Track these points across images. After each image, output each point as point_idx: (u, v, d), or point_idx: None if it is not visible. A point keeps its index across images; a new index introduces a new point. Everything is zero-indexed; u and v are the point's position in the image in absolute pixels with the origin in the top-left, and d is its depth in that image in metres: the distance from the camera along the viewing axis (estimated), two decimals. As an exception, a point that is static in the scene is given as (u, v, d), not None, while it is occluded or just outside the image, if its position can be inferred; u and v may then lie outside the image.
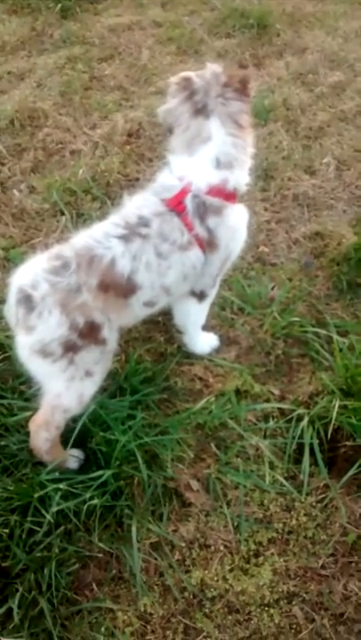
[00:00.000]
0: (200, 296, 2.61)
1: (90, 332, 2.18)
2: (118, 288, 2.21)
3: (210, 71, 2.37)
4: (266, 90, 4.29)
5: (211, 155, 2.34)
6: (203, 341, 2.82)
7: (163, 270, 2.30)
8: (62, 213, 3.41)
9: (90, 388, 2.29)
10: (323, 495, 2.42)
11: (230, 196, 2.38)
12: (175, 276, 2.35)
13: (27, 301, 2.11)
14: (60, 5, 5.05)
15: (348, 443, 2.47)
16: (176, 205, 2.31)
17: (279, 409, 2.65)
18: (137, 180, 3.60)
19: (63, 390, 2.24)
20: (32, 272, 2.16)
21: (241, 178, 2.41)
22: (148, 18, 5.09)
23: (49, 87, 4.30)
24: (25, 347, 2.20)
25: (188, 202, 2.32)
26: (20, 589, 2.06)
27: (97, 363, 2.27)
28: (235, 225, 2.44)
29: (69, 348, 2.16)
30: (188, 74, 2.39)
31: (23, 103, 4.09)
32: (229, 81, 2.34)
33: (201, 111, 2.34)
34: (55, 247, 2.29)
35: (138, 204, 2.34)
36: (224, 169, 2.34)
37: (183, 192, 2.32)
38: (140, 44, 4.79)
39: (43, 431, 2.28)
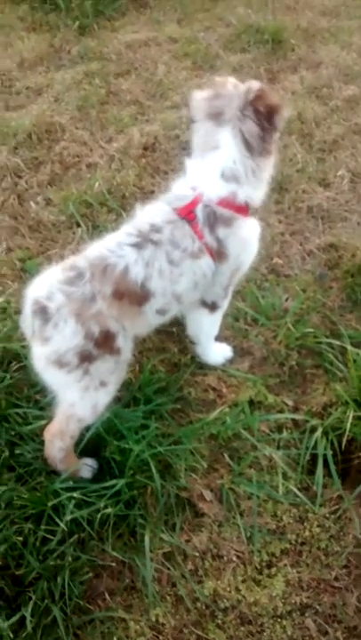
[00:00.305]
0: (212, 307, 2.63)
1: (105, 342, 2.20)
2: (132, 295, 2.24)
3: (247, 85, 2.34)
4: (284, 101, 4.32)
5: (218, 165, 2.35)
6: (216, 352, 2.83)
7: (175, 277, 2.32)
8: (78, 225, 3.45)
9: (104, 397, 2.31)
10: (336, 506, 2.41)
11: (241, 209, 2.39)
12: (186, 284, 2.37)
13: (42, 313, 2.13)
14: (77, 23, 5.14)
15: (361, 454, 2.46)
16: (187, 214, 2.33)
17: (293, 420, 2.65)
18: (152, 192, 3.63)
19: (77, 400, 2.26)
20: (47, 284, 2.19)
21: (252, 194, 2.40)
22: (164, 34, 5.16)
23: (66, 102, 4.37)
24: (41, 357, 2.22)
25: (199, 211, 2.34)
26: (34, 598, 2.07)
27: (112, 373, 2.28)
28: (246, 237, 2.45)
29: (85, 358, 2.17)
30: (231, 79, 2.39)
31: (41, 117, 4.15)
32: (256, 101, 2.30)
33: (214, 117, 2.34)
34: (69, 258, 2.32)
35: (150, 212, 2.37)
36: (232, 182, 2.35)
37: (195, 202, 2.34)
38: (156, 59, 4.86)
39: (57, 440, 2.29)
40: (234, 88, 2.36)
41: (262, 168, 2.40)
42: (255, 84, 2.35)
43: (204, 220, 2.34)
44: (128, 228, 2.33)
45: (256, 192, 2.42)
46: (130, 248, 2.25)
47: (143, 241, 2.26)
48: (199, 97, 2.41)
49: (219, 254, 2.39)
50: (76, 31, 5.13)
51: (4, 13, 5.49)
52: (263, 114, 2.31)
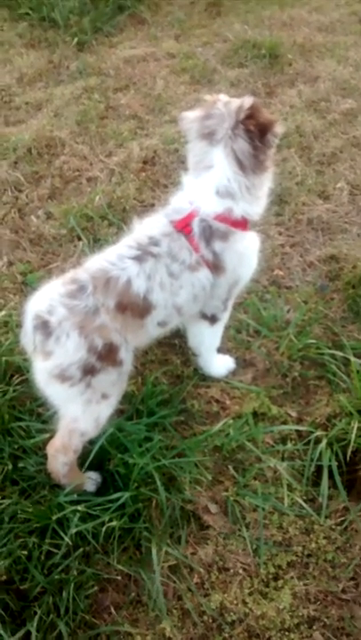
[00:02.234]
0: (212, 319, 2.63)
1: (108, 354, 2.19)
2: (135, 308, 2.24)
3: (240, 102, 2.33)
4: (279, 117, 4.34)
5: (212, 183, 2.35)
6: (218, 364, 2.83)
7: (175, 290, 2.32)
8: (79, 239, 3.46)
9: (106, 410, 2.30)
10: (342, 518, 2.40)
11: (238, 223, 2.39)
12: (186, 296, 2.37)
13: (44, 327, 2.12)
14: (76, 39, 5.18)
15: (366, 465, 2.45)
16: (183, 227, 2.34)
17: (297, 431, 2.64)
18: (152, 205, 3.64)
19: (80, 414, 2.25)
20: (47, 298, 2.18)
21: (249, 209, 2.39)
22: (162, 49, 5.20)
23: (66, 117, 4.40)
24: (43, 372, 2.21)
25: (195, 225, 2.34)
26: (39, 612, 2.06)
27: (114, 385, 2.28)
28: (243, 251, 2.44)
29: (88, 371, 2.17)
30: (223, 97, 2.39)
31: (41, 132, 4.18)
32: (247, 119, 2.29)
33: (207, 136, 2.34)
34: (69, 272, 2.32)
35: (148, 225, 2.38)
36: (227, 198, 2.35)
37: (191, 215, 2.35)
38: (154, 74, 4.90)
39: (61, 455, 2.29)
40: (225, 107, 2.34)
41: (257, 185, 2.39)
42: (247, 102, 2.33)
43: (200, 234, 2.34)
44: (128, 241, 2.34)
45: (253, 207, 2.41)
46: (131, 261, 2.25)
47: (144, 254, 2.27)
48: (191, 117, 2.42)
49: (216, 267, 2.39)
50: (75, 47, 5.18)
51: (3, 30, 5.53)
52: (255, 132, 2.30)
